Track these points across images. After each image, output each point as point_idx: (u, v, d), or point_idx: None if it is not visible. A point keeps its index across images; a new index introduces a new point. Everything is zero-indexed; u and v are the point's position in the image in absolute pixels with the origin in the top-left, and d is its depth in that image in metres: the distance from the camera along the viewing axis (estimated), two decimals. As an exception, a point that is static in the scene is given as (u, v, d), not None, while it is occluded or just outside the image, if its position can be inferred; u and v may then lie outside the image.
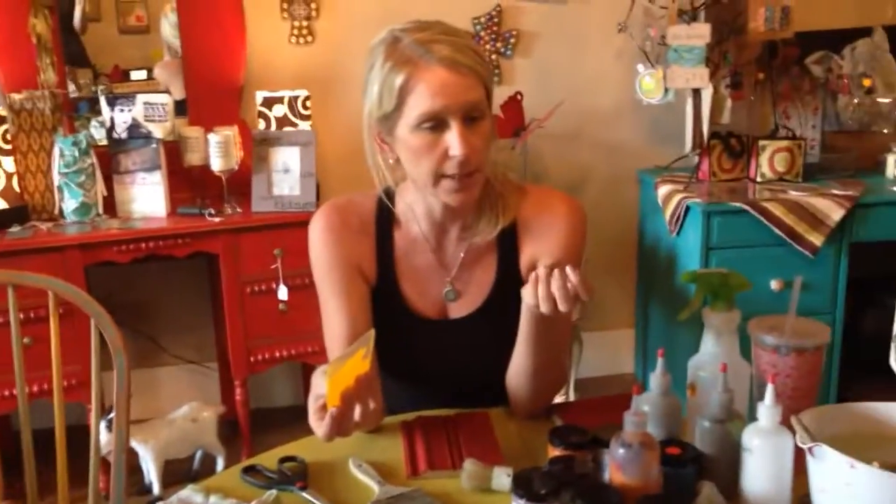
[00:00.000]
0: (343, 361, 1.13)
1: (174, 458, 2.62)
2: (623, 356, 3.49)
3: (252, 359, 2.76)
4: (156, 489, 2.56)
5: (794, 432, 1.06)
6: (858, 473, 0.97)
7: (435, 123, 1.29)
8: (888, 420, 1.13)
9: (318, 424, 1.14)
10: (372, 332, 1.18)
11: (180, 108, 2.90)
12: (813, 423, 1.06)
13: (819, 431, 1.04)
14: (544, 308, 1.23)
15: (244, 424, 2.81)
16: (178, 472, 2.67)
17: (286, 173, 2.76)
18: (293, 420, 1.40)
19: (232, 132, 2.76)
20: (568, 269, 1.21)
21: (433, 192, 1.36)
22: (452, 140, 1.29)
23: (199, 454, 2.73)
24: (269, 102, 2.81)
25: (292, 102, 2.80)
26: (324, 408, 1.13)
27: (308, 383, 3.15)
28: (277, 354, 2.77)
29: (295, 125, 2.81)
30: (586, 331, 3.25)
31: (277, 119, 2.81)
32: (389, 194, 1.47)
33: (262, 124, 2.82)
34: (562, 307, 1.21)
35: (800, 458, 1.07)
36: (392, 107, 1.31)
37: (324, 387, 1.13)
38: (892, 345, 2.86)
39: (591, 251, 3.14)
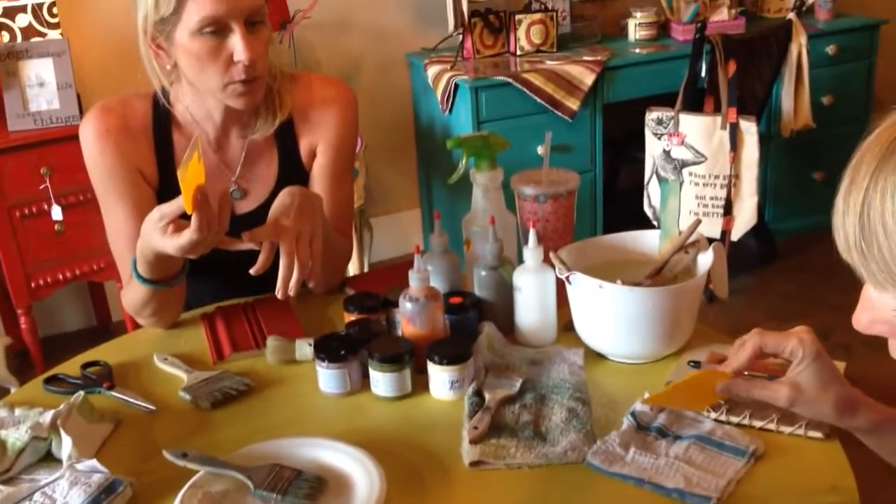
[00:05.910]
0: (186, 167, 1.11)
1: (-37, 397, 2.50)
2: (412, 236, 3.63)
3: (33, 285, 2.64)
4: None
5: (554, 267, 1.21)
6: (606, 291, 1.14)
7: (217, 28, 1.28)
8: (633, 247, 1.31)
9: (176, 237, 1.16)
10: (197, 136, 1.17)
11: None
12: (569, 256, 1.21)
13: (574, 263, 1.20)
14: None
15: (35, 353, 2.72)
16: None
17: (41, 87, 2.60)
18: (88, 343, 1.39)
19: (-30, 47, 2.55)
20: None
21: (219, 97, 1.36)
22: (237, 45, 1.29)
23: (-10, 390, 2.62)
24: (9, 13, 2.60)
25: (37, 10, 2.61)
26: (172, 223, 1.16)
27: (97, 303, 3.08)
28: (60, 277, 2.67)
29: (43, 35, 2.63)
30: (374, 216, 3.36)
31: (22, 30, 2.62)
32: (165, 94, 1.44)
33: (5, 37, 2.61)
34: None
35: (563, 291, 1.22)
36: (170, 10, 1.28)
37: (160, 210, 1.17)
38: (645, 192, 3.18)
39: (370, 138, 3.21)
